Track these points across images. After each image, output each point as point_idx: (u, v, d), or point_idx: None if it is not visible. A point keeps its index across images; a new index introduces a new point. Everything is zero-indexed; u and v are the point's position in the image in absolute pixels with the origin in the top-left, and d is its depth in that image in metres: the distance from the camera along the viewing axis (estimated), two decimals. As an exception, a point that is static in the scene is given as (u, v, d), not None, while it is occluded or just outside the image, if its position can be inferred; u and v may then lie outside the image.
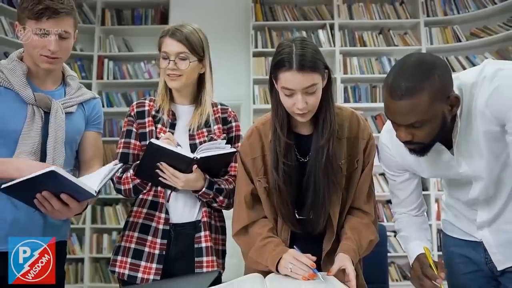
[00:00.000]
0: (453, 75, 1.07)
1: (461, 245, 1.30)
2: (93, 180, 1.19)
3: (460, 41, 4.02)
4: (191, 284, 0.75)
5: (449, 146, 1.13)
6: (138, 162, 1.40)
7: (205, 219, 1.40)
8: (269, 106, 4.32)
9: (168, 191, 1.40)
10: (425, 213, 1.35)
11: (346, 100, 4.03)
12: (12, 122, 1.24)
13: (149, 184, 1.40)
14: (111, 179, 1.44)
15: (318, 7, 4.19)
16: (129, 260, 1.37)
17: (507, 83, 0.99)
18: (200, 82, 1.48)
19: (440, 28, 4.09)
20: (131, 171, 1.39)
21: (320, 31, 4.10)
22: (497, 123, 1.03)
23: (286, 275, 1.15)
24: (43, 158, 1.27)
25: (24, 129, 1.24)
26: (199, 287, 0.75)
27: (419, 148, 1.08)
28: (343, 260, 1.17)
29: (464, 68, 3.95)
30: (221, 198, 1.39)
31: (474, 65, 3.94)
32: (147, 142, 1.38)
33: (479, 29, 4.02)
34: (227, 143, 1.44)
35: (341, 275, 1.15)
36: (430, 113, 0.99)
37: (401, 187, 1.29)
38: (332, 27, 4.08)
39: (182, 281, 0.86)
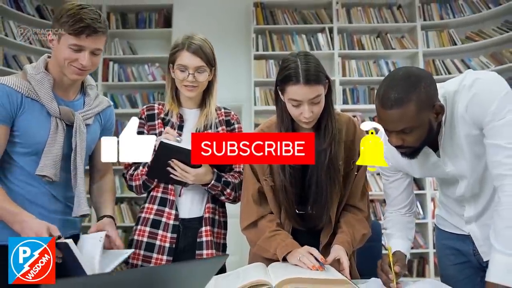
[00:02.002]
0: (439, 84, 1.17)
1: (451, 238, 1.40)
2: (107, 262, 1.22)
3: (455, 44, 4.12)
4: (204, 265, 0.84)
5: (436, 148, 1.23)
6: (148, 162, 1.47)
7: (207, 215, 1.50)
8: (269, 107, 4.39)
9: (179, 187, 1.50)
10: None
11: (345, 102, 4.12)
12: (38, 134, 1.30)
13: (155, 180, 1.49)
14: (124, 177, 1.54)
15: (318, 11, 4.29)
16: (142, 252, 1.47)
17: (483, 91, 1.10)
18: (207, 86, 1.58)
19: (436, 32, 4.20)
20: (141, 167, 1.49)
21: (320, 35, 4.20)
22: (476, 127, 1.13)
23: (286, 264, 1.27)
24: (65, 168, 1.35)
25: (49, 141, 1.30)
26: (211, 268, 0.85)
27: (409, 152, 1.18)
28: (338, 251, 1.29)
29: (460, 71, 4.06)
30: (228, 190, 1.50)
31: (469, 67, 4.06)
32: (156, 143, 1.48)
33: (474, 33, 4.13)
34: None
35: (336, 265, 1.27)
36: (418, 121, 1.09)
37: (393, 186, 1.39)
38: (331, 30, 4.17)
39: (195, 264, 0.95)
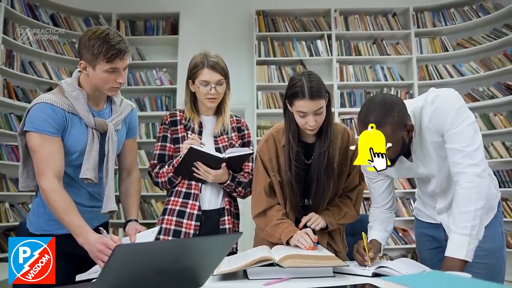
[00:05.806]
0: (409, 101, 1.42)
1: (427, 227, 1.63)
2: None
3: (447, 50, 4.34)
4: (225, 239, 1.07)
5: (409, 154, 1.47)
6: (172, 160, 1.71)
7: (227, 206, 1.75)
8: (271, 110, 4.63)
9: (199, 183, 1.74)
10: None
11: (343, 105, 4.34)
12: (78, 144, 1.50)
13: (180, 177, 1.72)
14: (150, 175, 1.77)
15: (317, 19, 4.52)
16: (170, 238, 1.70)
17: (442, 106, 1.34)
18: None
19: (429, 39, 4.42)
20: (166, 167, 1.72)
21: (319, 41, 4.42)
22: (438, 134, 1.37)
23: (287, 246, 1.50)
24: (99, 170, 1.55)
25: (87, 149, 1.50)
26: (229, 242, 1.08)
27: None
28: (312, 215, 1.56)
29: (451, 76, 4.29)
30: (240, 188, 1.75)
31: (460, 72, 4.28)
32: (180, 145, 1.71)
33: (465, 40, 4.35)
34: (241, 147, 1.81)
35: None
36: (393, 139, 1.31)
37: (375, 186, 1.61)
38: (329, 37, 4.39)
39: (218, 237, 1.18)
